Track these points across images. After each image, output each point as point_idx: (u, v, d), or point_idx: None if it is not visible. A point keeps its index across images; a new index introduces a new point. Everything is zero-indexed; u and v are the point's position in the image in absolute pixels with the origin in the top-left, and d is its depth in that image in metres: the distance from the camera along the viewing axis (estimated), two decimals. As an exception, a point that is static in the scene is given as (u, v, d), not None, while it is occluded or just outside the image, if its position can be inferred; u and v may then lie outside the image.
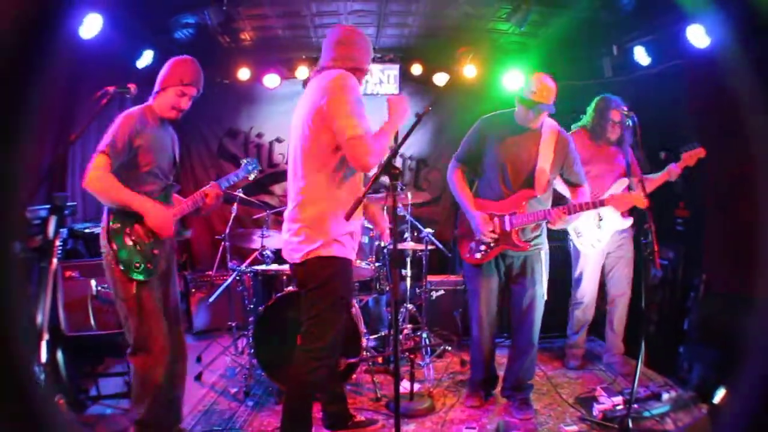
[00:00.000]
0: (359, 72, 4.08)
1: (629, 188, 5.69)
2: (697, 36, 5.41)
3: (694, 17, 5.27)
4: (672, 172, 5.54)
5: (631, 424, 4.49)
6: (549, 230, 5.13)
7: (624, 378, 5.85)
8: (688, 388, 5.35)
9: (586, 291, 6.10)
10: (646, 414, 4.87)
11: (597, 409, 4.99)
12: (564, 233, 6.09)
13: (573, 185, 5.12)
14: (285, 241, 4.12)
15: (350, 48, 4.04)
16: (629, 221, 5.85)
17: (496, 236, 4.92)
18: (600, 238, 5.87)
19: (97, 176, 4.01)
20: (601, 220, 5.78)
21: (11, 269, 1.63)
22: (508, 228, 4.87)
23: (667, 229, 6.00)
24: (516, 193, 4.90)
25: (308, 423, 4.21)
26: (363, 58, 4.11)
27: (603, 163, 5.81)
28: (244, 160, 5.05)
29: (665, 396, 5.05)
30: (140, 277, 4.13)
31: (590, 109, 5.94)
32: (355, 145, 3.70)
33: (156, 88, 4.33)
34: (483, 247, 5.03)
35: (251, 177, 5.08)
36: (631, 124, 4.90)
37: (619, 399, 4.96)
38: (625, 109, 5.16)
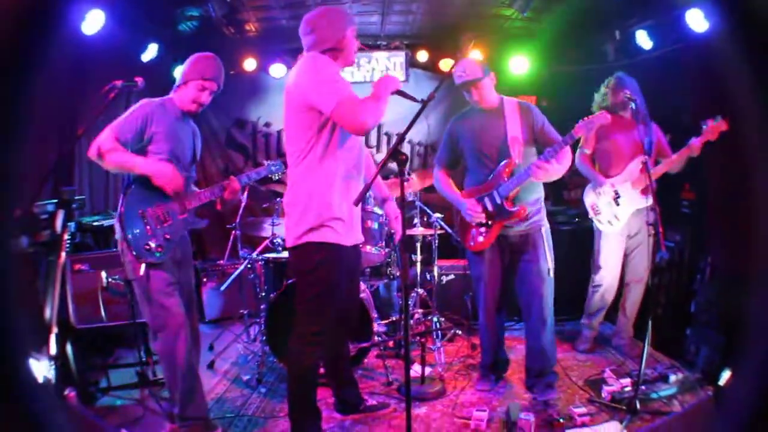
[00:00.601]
0: (337, 51, 4.04)
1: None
2: (696, 20, 5.41)
3: (693, 2, 5.30)
4: (693, 147, 5.43)
5: (638, 406, 4.57)
6: (572, 212, 5.16)
7: (632, 360, 5.86)
8: (694, 370, 5.41)
9: (606, 274, 6.04)
10: (654, 395, 4.92)
11: (606, 391, 5.03)
12: (586, 213, 6.10)
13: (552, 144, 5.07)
14: (284, 226, 4.20)
15: (320, 32, 4.01)
16: (649, 199, 5.60)
17: (485, 214, 4.98)
18: (617, 214, 5.79)
19: (101, 143, 4.08)
20: (618, 197, 5.75)
21: (10, 267, 1.65)
22: (498, 200, 4.92)
23: (674, 211, 6.01)
24: (498, 168, 4.96)
25: (313, 406, 4.29)
26: (335, 35, 4.01)
27: (620, 136, 5.79)
28: (269, 162, 5.05)
29: (672, 378, 5.10)
30: (150, 259, 4.19)
31: (602, 89, 5.99)
32: (341, 111, 3.71)
33: (177, 81, 4.41)
34: (483, 230, 5.08)
35: (275, 177, 5.09)
36: (634, 107, 4.93)
37: (627, 381, 5.01)
38: (627, 92, 5.17)
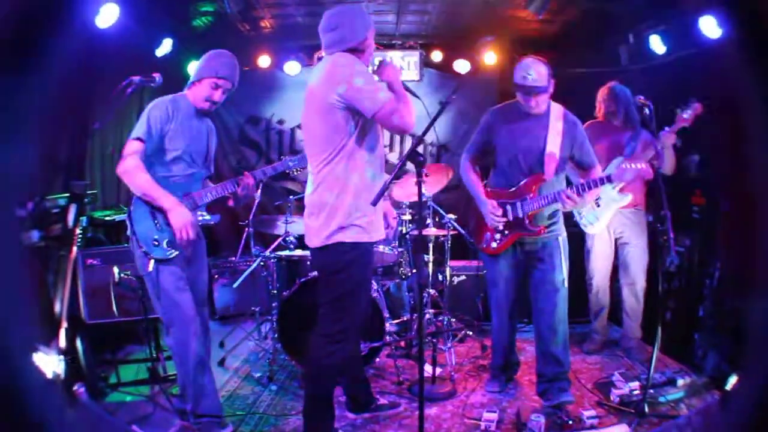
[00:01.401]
0: (358, 52, 3.99)
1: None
2: (709, 27, 5.41)
3: (706, 8, 5.30)
4: (664, 137, 5.38)
5: (646, 409, 4.58)
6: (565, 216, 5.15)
7: (641, 363, 5.88)
8: (702, 374, 5.42)
9: (594, 274, 6.24)
10: (662, 399, 4.98)
11: (614, 394, 5.05)
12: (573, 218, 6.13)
13: (585, 168, 5.05)
14: (306, 226, 4.13)
15: (343, 30, 3.94)
16: (627, 197, 5.79)
17: (505, 221, 4.94)
18: (598, 215, 5.86)
19: (131, 166, 4.11)
20: (598, 198, 5.80)
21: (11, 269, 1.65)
22: (520, 214, 4.87)
23: (684, 216, 6.01)
24: (527, 179, 4.89)
25: (330, 406, 4.26)
26: (357, 35, 3.96)
27: (604, 140, 5.91)
28: (286, 157, 5.01)
29: (680, 382, 5.15)
30: (158, 255, 4.20)
31: (598, 96, 6.16)
32: (386, 113, 3.76)
33: (192, 78, 4.41)
34: (498, 236, 5.04)
35: (294, 173, 5.04)
36: (648, 112, 4.94)
37: (635, 384, 5.03)
38: (642, 98, 5.18)
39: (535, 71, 4.73)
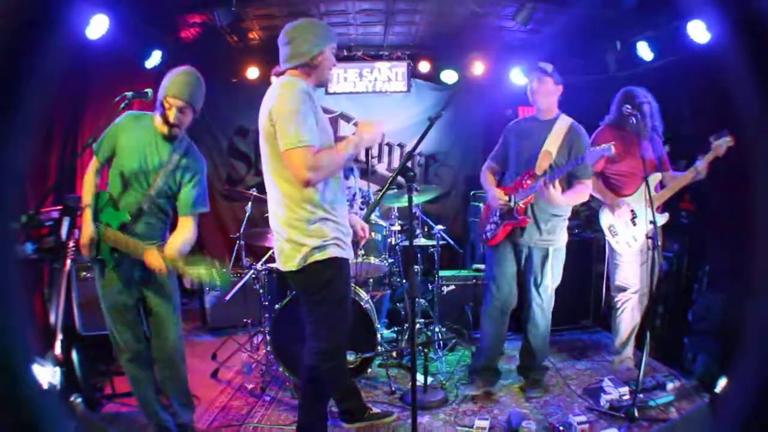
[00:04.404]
0: (310, 68, 3.89)
1: (662, 184, 5.62)
2: (698, 32, 5.48)
3: (694, 13, 5.35)
4: (699, 168, 5.28)
5: (636, 413, 4.69)
6: (571, 223, 5.28)
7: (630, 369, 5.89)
8: (692, 378, 5.49)
9: (630, 292, 5.69)
10: (651, 403, 5.04)
11: (604, 399, 5.11)
12: (584, 225, 6.15)
13: (578, 179, 5.13)
14: (276, 250, 4.07)
15: (295, 45, 3.85)
16: (665, 216, 5.61)
17: (505, 205, 5.18)
18: (635, 235, 5.61)
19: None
20: (635, 216, 5.60)
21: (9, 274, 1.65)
22: (512, 204, 5.14)
23: (672, 221, 6.05)
24: (521, 174, 5.17)
25: (324, 420, 4.29)
26: (310, 51, 3.84)
27: (631, 159, 5.57)
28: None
29: (669, 386, 5.23)
30: (97, 275, 4.17)
31: (613, 104, 5.78)
32: (290, 158, 3.62)
33: None
34: (493, 227, 5.33)
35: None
36: (634, 121, 4.98)
37: (625, 389, 5.07)
38: (629, 107, 5.20)
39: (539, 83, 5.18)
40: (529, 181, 5.07)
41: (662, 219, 5.56)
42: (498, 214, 5.30)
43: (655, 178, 5.56)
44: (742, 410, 1.63)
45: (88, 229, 4.02)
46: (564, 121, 5.16)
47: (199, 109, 4.23)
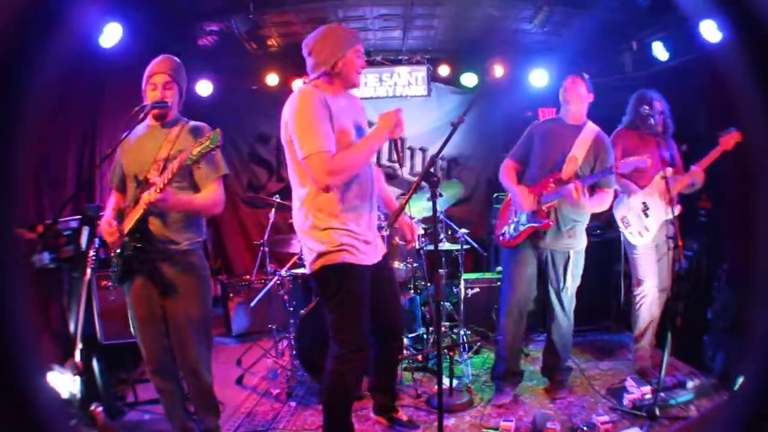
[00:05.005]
0: (333, 75, 4.00)
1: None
2: (710, 31, 5.47)
3: (703, 14, 5.34)
4: (697, 174, 5.48)
5: (658, 412, 4.70)
6: (595, 224, 5.29)
7: (652, 368, 5.87)
8: (711, 376, 5.50)
9: (650, 284, 5.81)
10: (672, 402, 5.05)
11: (627, 399, 5.12)
12: (608, 226, 6.16)
13: (599, 186, 5.17)
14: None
15: (316, 55, 3.97)
16: (677, 209, 5.49)
17: (535, 206, 5.12)
18: (647, 225, 5.74)
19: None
20: (647, 209, 5.75)
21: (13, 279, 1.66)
22: (534, 207, 5.11)
23: (692, 220, 6.05)
24: (546, 177, 5.13)
25: (348, 422, 4.34)
26: (331, 58, 3.94)
27: (644, 151, 5.49)
28: None
29: (690, 384, 5.24)
30: (113, 283, 4.19)
31: (629, 106, 5.97)
32: (309, 165, 3.74)
33: None
34: (512, 228, 5.29)
35: None
36: (653, 122, 5.00)
37: (647, 388, 5.08)
38: (647, 108, 5.23)
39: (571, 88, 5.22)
40: (553, 185, 5.05)
41: (670, 214, 5.51)
42: (519, 214, 5.26)
43: (667, 172, 5.53)
44: (753, 406, 1.63)
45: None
46: (591, 129, 5.18)
47: (183, 89, 4.28)
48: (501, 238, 5.42)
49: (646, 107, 5.38)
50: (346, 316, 4.09)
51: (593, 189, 5.14)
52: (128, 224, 3.98)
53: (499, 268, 7.13)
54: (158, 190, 3.76)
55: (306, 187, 3.95)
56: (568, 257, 5.21)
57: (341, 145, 3.85)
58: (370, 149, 4.00)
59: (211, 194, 4.10)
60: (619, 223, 5.92)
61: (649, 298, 5.78)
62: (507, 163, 5.44)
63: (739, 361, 5.22)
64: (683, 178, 5.59)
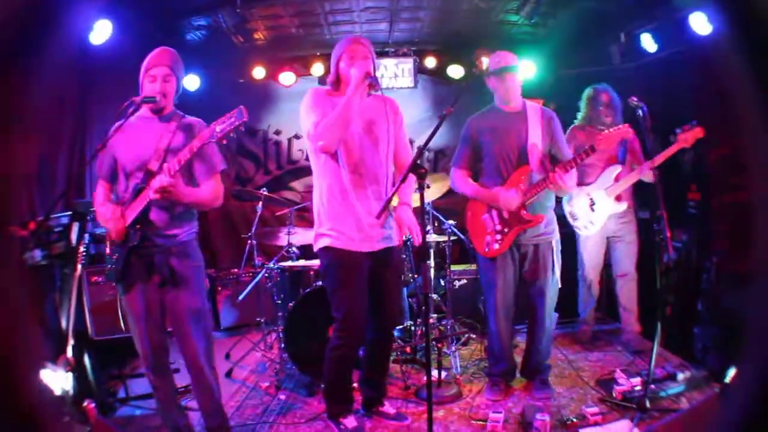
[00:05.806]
0: (336, 84, 4.59)
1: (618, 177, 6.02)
2: (699, 23, 5.48)
3: (696, 5, 5.36)
4: (645, 172, 5.73)
5: (648, 404, 4.67)
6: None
7: (641, 357, 5.98)
8: (702, 367, 5.49)
9: (587, 271, 6.44)
10: (663, 394, 5.04)
11: (616, 390, 5.12)
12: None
13: (562, 163, 5.08)
14: None
15: (332, 68, 4.62)
16: (623, 205, 6.06)
17: (502, 220, 5.10)
18: (593, 220, 6.11)
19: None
20: (593, 204, 6.06)
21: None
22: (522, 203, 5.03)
23: (680, 212, 6.09)
24: (513, 172, 5.06)
25: (346, 391, 4.78)
26: (335, 67, 4.56)
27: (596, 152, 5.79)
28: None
29: (680, 376, 5.22)
30: (110, 279, 4.19)
31: (581, 103, 6.29)
32: (309, 140, 4.42)
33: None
34: (498, 237, 5.14)
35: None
36: (641, 114, 5.01)
37: (637, 380, 5.08)
38: (635, 99, 5.25)
39: (502, 57, 5.22)
40: (524, 178, 5.01)
41: (620, 207, 6.08)
42: (500, 220, 5.13)
43: (612, 170, 6.02)
44: (749, 400, 1.64)
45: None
46: (534, 109, 5.16)
47: (181, 81, 4.32)
48: (486, 250, 5.22)
49: (635, 98, 5.38)
50: (333, 293, 4.56)
51: (554, 166, 5.03)
52: (130, 215, 4.00)
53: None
54: (170, 176, 3.81)
55: (317, 176, 4.56)
56: (551, 247, 5.19)
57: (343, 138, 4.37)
58: (346, 105, 4.25)
59: (212, 189, 4.20)
60: (568, 216, 6.26)
61: (587, 281, 6.44)
62: (459, 174, 5.35)
63: (729, 353, 5.25)
64: (630, 176, 5.86)
